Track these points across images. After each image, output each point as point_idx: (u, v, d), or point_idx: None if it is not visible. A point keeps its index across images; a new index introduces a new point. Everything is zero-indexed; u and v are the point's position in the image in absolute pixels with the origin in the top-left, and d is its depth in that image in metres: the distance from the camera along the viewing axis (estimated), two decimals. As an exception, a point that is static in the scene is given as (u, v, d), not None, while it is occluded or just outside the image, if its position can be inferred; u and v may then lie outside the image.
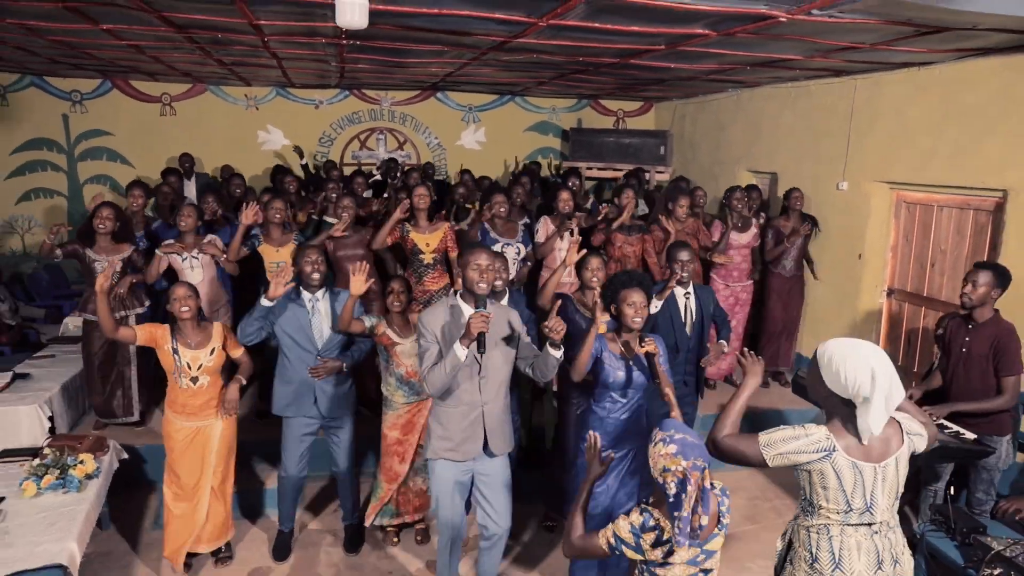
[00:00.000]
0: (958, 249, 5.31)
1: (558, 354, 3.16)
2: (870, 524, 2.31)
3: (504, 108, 9.80)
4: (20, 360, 5.50)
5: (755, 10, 3.68)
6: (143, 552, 4.25)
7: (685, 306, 4.53)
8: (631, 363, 3.41)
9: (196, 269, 4.96)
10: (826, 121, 6.38)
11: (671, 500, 2.12)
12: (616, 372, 3.40)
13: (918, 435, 2.37)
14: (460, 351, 3.05)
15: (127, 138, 8.78)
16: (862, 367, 2.19)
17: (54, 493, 3.68)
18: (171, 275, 4.98)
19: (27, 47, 6.04)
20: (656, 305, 4.40)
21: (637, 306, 3.34)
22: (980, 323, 3.86)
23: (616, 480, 3.44)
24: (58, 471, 3.76)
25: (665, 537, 2.16)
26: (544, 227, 5.51)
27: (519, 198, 6.07)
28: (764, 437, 2.32)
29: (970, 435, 3.78)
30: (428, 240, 5.12)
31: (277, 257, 5.08)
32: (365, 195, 6.73)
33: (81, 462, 3.86)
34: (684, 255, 4.47)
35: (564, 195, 5.53)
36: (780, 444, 2.29)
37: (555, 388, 4.88)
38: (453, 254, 5.14)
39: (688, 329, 4.52)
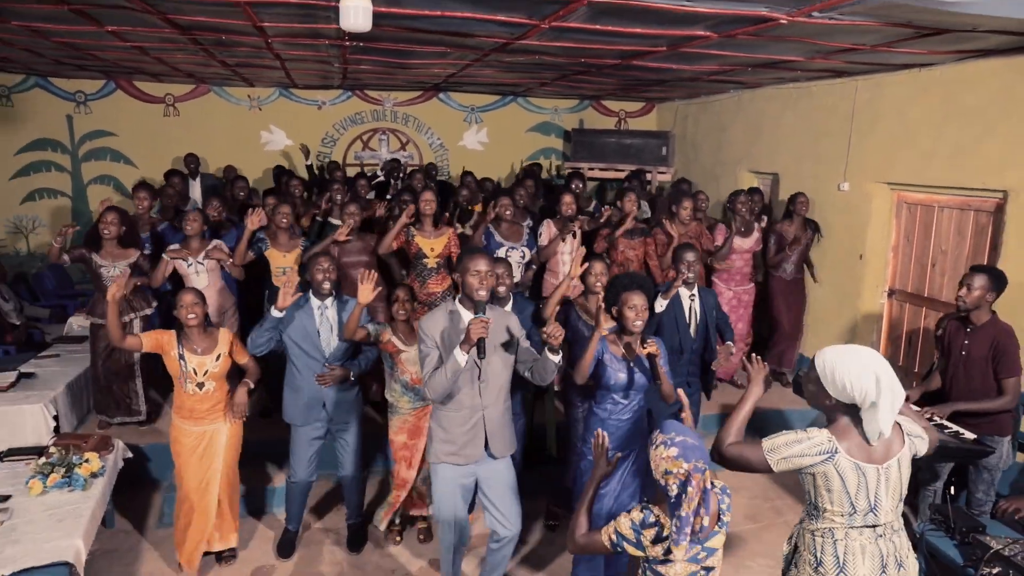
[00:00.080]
0: (959, 250, 5.32)
1: (557, 359, 3.17)
2: (875, 526, 2.32)
3: (506, 109, 9.81)
4: (25, 359, 5.54)
5: (756, 12, 3.69)
6: (147, 550, 4.28)
7: (690, 308, 4.54)
8: (632, 365, 3.42)
9: (202, 274, 4.98)
10: (827, 122, 6.39)
11: (672, 500, 2.14)
12: (618, 374, 3.41)
13: (919, 437, 2.39)
14: (460, 356, 3.06)
15: (131, 139, 8.80)
16: (866, 374, 2.21)
17: (60, 491, 3.71)
18: (176, 279, 4.99)
19: (32, 48, 6.06)
20: (661, 304, 4.40)
21: (638, 309, 3.36)
22: (978, 326, 3.88)
23: (619, 483, 3.44)
24: (64, 469, 3.79)
25: (665, 533, 2.18)
26: (547, 230, 5.51)
27: (522, 200, 6.08)
28: (767, 443, 2.34)
29: (970, 435, 3.80)
30: (433, 245, 5.13)
31: (284, 262, 5.09)
32: (368, 197, 6.75)
33: (86, 460, 3.88)
34: (690, 256, 4.48)
35: (567, 198, 5.54)
36: (783, 448, 2.31)
37: (556, 388, 4.91)
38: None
39: (692, 331, 4.53)
